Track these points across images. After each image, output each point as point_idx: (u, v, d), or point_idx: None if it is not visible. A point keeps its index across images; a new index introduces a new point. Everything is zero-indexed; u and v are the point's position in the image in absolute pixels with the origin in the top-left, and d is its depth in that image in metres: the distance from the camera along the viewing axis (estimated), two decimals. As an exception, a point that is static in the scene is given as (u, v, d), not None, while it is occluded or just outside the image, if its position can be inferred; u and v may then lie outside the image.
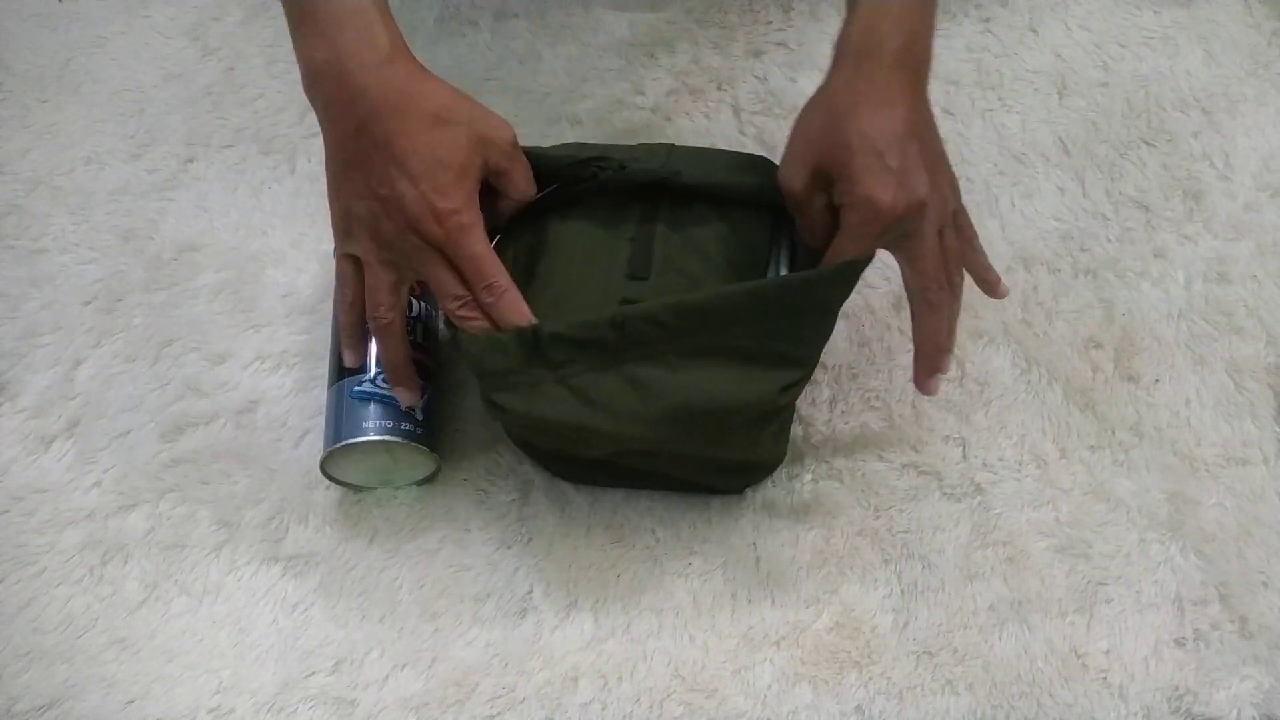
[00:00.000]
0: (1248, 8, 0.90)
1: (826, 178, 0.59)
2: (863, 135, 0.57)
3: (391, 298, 0.62)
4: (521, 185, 0.64)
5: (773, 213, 0.65)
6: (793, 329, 0.60)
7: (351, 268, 0.64)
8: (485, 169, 0.61)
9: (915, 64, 0.60)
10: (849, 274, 0.60)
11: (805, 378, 0.62)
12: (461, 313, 0.60)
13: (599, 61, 0.89)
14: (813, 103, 0.62)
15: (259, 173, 0.85)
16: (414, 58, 0.62)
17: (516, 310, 0.60)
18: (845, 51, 0.60)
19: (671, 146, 0.68)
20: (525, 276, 0.64)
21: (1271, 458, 0.72)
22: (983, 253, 0.65)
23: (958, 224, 0.62)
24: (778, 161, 0.64)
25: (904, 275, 0.62)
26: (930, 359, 0.63)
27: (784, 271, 0.65)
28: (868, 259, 0.60)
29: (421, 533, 0.71)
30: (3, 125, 0.88)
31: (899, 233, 0.59)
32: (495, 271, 0.60)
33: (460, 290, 0.60)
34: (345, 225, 0.62)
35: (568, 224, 0.66)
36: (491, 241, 0.62)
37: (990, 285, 0.66)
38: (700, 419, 0.60)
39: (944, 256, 0.60)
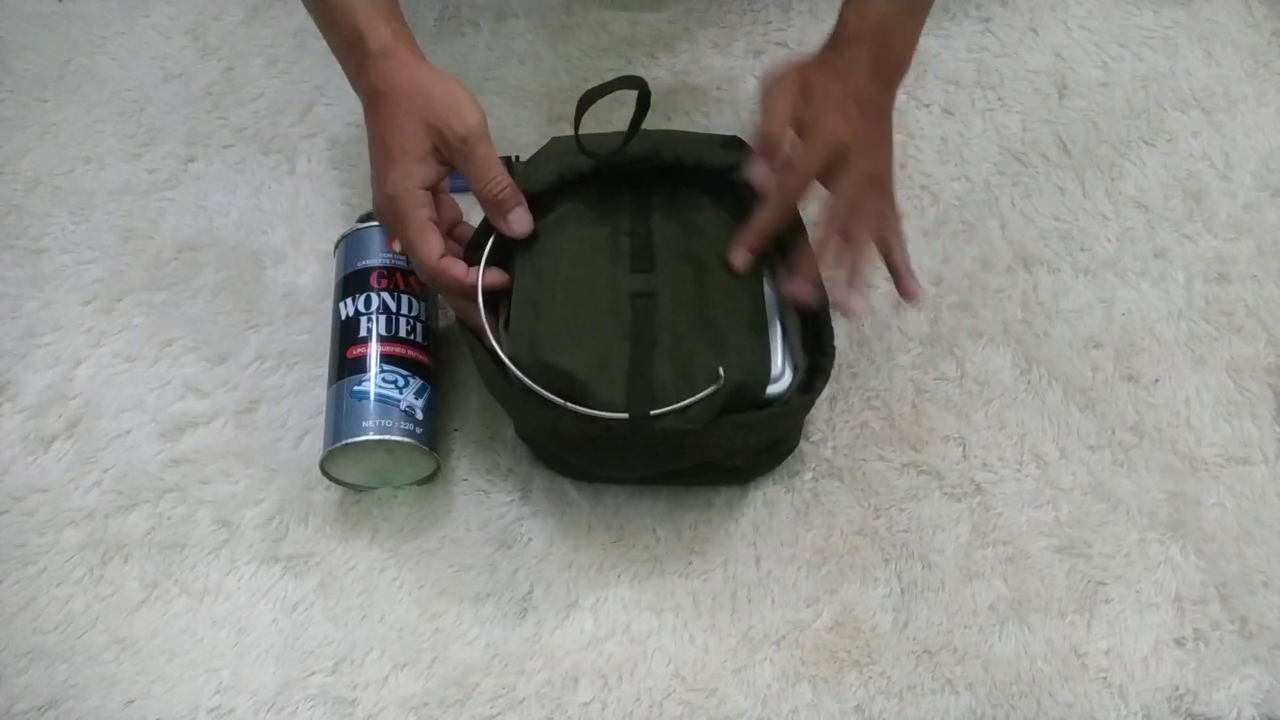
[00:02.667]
0: (1248, 8, 0.91)
1: (800, 125, 0.65)
2: (831, 95, 0.65)
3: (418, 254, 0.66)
4: (473, 182, 0.65)
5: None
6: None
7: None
8: (438, 156, 0.64)
9: (887, 58, 0.67)
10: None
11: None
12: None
13: (599, 61, 0.89)
14: (792, 71, 0.67)
15: (259, 173, 0.85)
16: (407, 47, 0.67)
17: (447, 282, 0.65)
18: (833, 36, 0.68)
19: (647, 133, 0.68)
20: (533, 283, 0.65)
21: (1271, 458, 0.72)
22: (904, 252, 0.67)
23: (882, 209, 0.67)
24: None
25: (824, 204, 0.65)
26: (802, 267, 0.65)
27: None
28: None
29: (421, 533, 0.71)
30: (3, 125, 0.88)
31: (839, 156, 0.64)
32: (424, 254, 0.64)
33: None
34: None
35: (564, 229, 0.66)
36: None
37: (904, 285, 0.67)
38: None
39: (859, 201, 0.65)
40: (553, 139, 0.69)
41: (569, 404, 0.60)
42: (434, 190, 0.65)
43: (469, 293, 0.64)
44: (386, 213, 0.65)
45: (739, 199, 0.66)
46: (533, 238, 0.66)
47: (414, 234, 0.64)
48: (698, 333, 0.63)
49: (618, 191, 0.68)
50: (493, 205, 0.65)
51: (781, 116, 0.65)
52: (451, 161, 0.64)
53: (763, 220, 0.65)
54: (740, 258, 0.65)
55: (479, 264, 0.64)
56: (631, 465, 0.65)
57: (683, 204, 0.67)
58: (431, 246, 0.64)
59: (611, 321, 0.63)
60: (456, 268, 0.64)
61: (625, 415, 0.59)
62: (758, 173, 0.65)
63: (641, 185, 0.68)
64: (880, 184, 0.67)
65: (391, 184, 0.64)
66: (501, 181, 0.64)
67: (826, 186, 0.65)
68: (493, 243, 0.66)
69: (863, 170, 0.64)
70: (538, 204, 0.66)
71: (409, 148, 0.63)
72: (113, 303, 0.80)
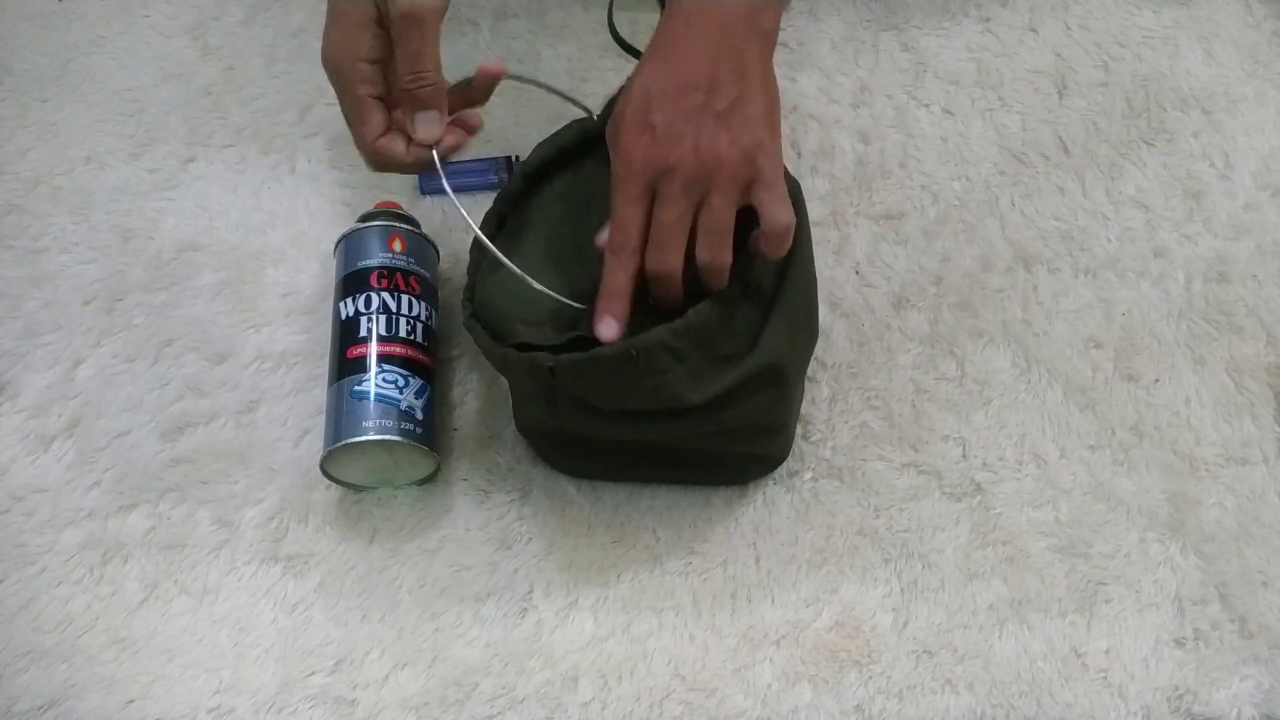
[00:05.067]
0: (1248, 8, 0.90)
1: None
2: (642, 87, 0.56)
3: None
4: (398, 68, 0.58)
5: None
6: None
7: None
8: (383, 26, 0.58)
9: (737, 20, 0.57)
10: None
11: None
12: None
13: (599, 61, 0.89)
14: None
15: (259, 173, 0.85)
16: None
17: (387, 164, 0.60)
18: (667, 4, 0.59)
19: None
20: (516, 226, 0.65)
21: (1271, 458, 0.72)
22: (779, 223, 0.57)
23: (756, 193, 0.57)
24: None
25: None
26: (603, 306, 0.58)
27: None
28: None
29: (421, 533, 0.71)
30: (3, 125, 0.88)
31: (652, 189, 0.56)
32: (359, 133, 0.59)
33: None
34: None
35: (552, 200, 0.66)
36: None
37: (768, 247, 0.59)
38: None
39: (685, 224, 0.56)
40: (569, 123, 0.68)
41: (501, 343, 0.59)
42: (383, 61, 0.59)
43: (415, 170, 0.60)
44: (330, 81, 0.59)
45: None
46: (522, 207, 0.66)
47: (349, 111, 0.59)
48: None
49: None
50: (406, 99, 0.58)
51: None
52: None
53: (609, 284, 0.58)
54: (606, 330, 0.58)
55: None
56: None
57: None
58: (369, 126, 0.58)
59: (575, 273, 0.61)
60: (397, 147, 0.59)
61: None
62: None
63: None
64: (753, 189, 0.57)
65: (329, 50, 0.58)
66: (426, 79, 0.57)
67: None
68: (492, 209, 0.66)
69: (680, 188, 0.55)
70: (538, 176, 0.67)
71: (349, 10, 0.57)
72: (113, 303, 0.80)
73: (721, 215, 0.56)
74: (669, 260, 0.57)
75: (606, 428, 0.63)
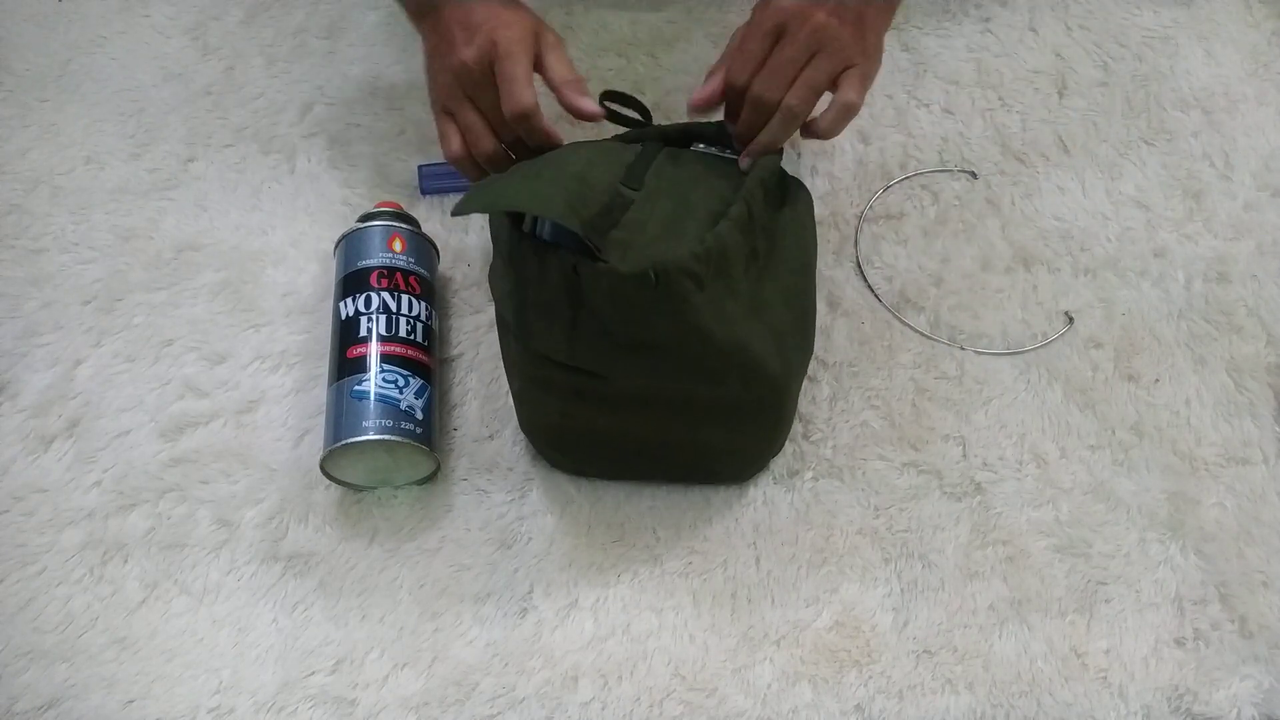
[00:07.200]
0: (1248, 8, 0.91)
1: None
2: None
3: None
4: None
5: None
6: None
7: (449, 124, 0.72)
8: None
9: None
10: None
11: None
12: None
13: (599, 61, 0.89)
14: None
15: (259, 173, 0.85)
16: None
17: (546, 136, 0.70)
18: None
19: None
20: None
21: (1271, 458, 0.72)
22: (840, 117, 0.69)
23: (845, 77, 0.68)
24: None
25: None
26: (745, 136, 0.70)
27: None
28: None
29: (421, 533, 0.71)
30: (3, 125, 0.88)
31: (777, 32, 0.67)
32: (526, 96, 0.68)
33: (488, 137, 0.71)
34: (441, 94, 0.72)
35: (574, 148, 0.68)
36: None
37: (814, 131, 0.70)
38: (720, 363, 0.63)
39: (793, 69, 0.67)
40: None
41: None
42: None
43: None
44: (486, 62, 0.69)
45: (729, 168, 0.69)
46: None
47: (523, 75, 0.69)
48: (654, 239, 0.62)
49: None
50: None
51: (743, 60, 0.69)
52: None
53: (765, 140, 0.69)
54: (744, 161, 0.69)
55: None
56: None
57: (686, 157, 0.69)
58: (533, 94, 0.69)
59: (594, 186, 0.63)
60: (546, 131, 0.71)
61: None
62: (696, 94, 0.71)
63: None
64: (845, 74, 0.68)
65: (504, 32, 0.68)
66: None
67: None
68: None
69: (805, 43, 0.67)
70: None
71: (524, 32, 0.70)
72: (113, 303, 0.80)
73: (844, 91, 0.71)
74: (798, 105, 0.69)
75: (620, 364, 0.62)
